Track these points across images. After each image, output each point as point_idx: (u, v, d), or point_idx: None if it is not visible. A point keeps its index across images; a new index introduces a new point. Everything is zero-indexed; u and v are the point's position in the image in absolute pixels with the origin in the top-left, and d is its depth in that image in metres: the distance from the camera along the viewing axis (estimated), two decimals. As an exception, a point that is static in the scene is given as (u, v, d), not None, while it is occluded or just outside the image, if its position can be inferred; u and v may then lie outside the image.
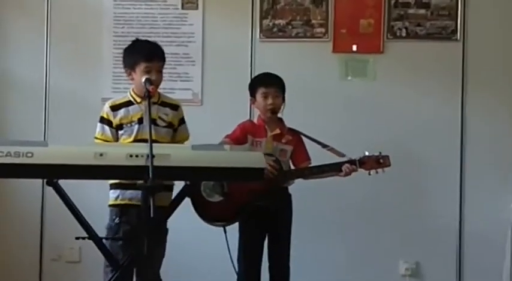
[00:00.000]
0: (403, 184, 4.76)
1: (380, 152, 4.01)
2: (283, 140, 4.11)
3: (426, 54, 4.91)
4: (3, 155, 3.03)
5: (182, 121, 3.87)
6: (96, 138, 3.72)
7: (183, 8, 5.02)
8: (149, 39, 3.94)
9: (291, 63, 4.84)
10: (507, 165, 4.80)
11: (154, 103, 3.65)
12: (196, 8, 5.01)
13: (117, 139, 3.69)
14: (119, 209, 3.67)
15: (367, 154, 4.01)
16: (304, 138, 4.14)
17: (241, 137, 4.04)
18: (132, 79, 3.75)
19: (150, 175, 3.01)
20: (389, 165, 4.02)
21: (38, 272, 5.01)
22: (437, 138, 4.86)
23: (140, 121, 3.69)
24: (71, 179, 3.19)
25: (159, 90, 3.73)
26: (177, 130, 3.82)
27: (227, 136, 4.06)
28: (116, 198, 3.68)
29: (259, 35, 4.96)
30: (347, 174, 3.97)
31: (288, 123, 4.17)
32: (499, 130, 4.85)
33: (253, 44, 4.96)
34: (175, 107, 3.83)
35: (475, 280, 4.71)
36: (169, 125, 3.77)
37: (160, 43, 3.87)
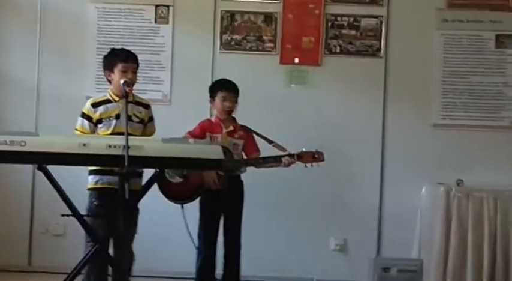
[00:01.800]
0: (334, 175, 4.69)
1: (316, 149, 3.97)
2: (236, 136, 4.05)
3: (356, 67, 4.90)
4: (0, 143, 2.93)
5: (151, 119, 3.79)
6: (76, 130, 3.62)
7: (156, 22, 4.93)
8: (126, 47, 3.83)
9: (245, 72, 4.77)
10: (418, 161, 4.82)
11: (130, 102, 3.53)
12: (167, 23, 4.92)
13: (93, 132, 3.58)
14: (98, 193, 3.55)
15: (304, 150, 3.95)
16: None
17: (200, 134, 3.97)
18: (111, 80, 3.65)
19: (126, 163, 2.96)
20: (323, 160, 3.93)
21: (28, 243, 4.88)
22: (363, 137, 4.85)
23: (117, 117, 3.59)
24: (58, 165, 3.11)
25: (133, 92, 3.64)
26: (146, 126, 3.73)
27: (189, 132, 3.98)
28: (96, 182, 3.56)
29: (219, 48, 4.90)
30: (286, 165, 3.90)
31: (241, 122, 4.11)
32: (412, 131, 4.87)
33: (214, 54, 4.89)
34: (147, 106, 3.76)
35: (391, 252, 4.70)
36: (142, 121, 3.69)
37: (136, 51, 3.79)
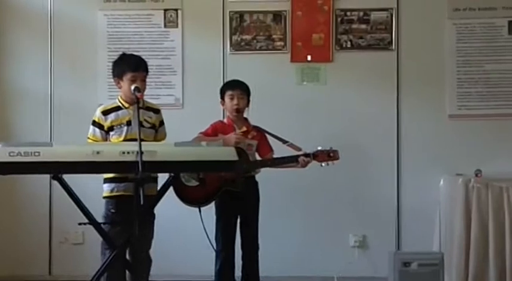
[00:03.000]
0: (351, 171, 4.72)
1: (331, 147, 3.98)
2: (249, 136, 4.07)
3: (367, 62, 4.89)
4: (15, 154, 2.99)
5: (162, 123, 3.80)
6: (89, 138, 3.64)
7: (165, 26, 4.96)
8: (136, 53, 3.84)
9: (256, 72, 4.79)
10: (435, 153, 4.81)
11: (140, 108, 3.55)
12: (177, 26, 4.95)
13: (105, 139, 3.60)
14: (115, 200, 3.57)
15: (319, 148, 3.97)
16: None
17: (212, 135, 4.01)
18: (120, 87, 3.67)
19: (140, 169, 2.98)
20: (338, 158, 3.98)
21: (48, 252, 4.93)
22: (377, 132, 4.85)
23: (129, 123, 3.61)
24: (73, 173, 3.16)
25: (144, 97, 3.65)
26: (158, 131, 3.75)
27: (201, 133, 4.03)
28: (112, 190, 3.58)
29: (230, 49, 4.92)
30: (303, 165, 3.93)
31: (254, 122, 4.14)
32: (428, 123, 4.86)
33: (224, 56, 4.91)
34: (157, 111, 3.78)
35: (411, 246, 4.71)
36: (153, 126, 3.71)
37: (146, 56, 3.82)
